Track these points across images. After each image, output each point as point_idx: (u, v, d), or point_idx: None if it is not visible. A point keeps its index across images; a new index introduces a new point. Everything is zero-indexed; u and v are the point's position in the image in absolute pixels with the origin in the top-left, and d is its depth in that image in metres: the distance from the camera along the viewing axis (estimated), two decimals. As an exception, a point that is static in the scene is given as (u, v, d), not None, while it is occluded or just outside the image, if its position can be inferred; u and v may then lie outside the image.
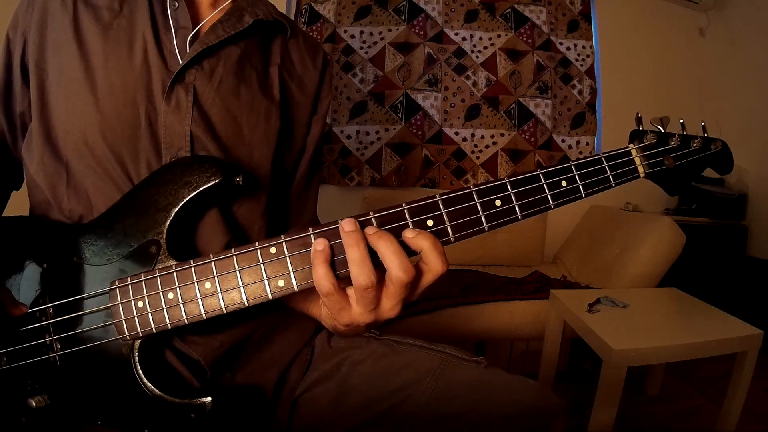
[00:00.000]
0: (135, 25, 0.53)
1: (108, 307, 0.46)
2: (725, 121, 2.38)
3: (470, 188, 0.45)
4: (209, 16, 0.58)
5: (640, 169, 0.50)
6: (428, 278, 0.43)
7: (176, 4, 0.55)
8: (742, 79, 2.52)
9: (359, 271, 0.41)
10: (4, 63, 0.56)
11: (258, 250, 0.44)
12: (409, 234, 0.42)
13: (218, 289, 0.44)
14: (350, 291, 0.44)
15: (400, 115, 2.30)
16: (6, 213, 0.52)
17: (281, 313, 0.63)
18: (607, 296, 1.44)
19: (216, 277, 0.44)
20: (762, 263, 2.18)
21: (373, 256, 0.42)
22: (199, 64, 0.54)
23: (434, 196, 0.45)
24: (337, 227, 0.43)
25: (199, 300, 0.44)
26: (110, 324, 0.46)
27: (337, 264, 0.43)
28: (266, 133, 0.59)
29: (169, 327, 0.45)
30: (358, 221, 0.43)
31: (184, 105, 0.53)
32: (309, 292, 0.44)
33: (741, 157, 2.37)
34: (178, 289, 0.45)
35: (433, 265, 0.42)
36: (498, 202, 0.45)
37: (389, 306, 0.43)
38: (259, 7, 0.60)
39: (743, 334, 1.23)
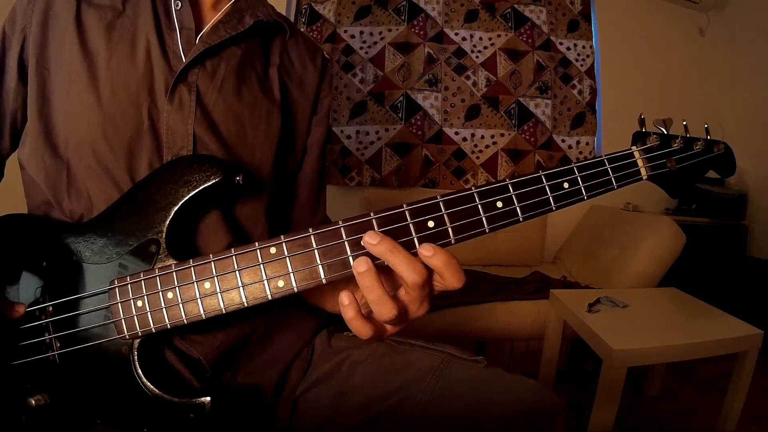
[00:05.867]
0: (138, 24, 0.53)
1: (107, 306, 0.46)
2: (725, 121, 2.39)
3: (472, 189, 0.45)
4: (211, 18, 0.58)
5: (643, 171, 0.50)
6: (441, 286, 0.43)
7: (179, 5, 0.55)
8: (742, 79, 2.52)
9: (380, 308, 0.40)
10: None
11: (258, 251, 0.44)
12: (425, 252, 0.41)
13: (218, 290, 0.44)
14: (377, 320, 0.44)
15: (400, 115, 2.30)
16: (5, 212, 0.51)
17: (281, 312, 0.63)
18: (607, 296, 1.44)
19: (215, 277, 0.44)
20: (762, 263, 2.18)
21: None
22: (201, 63, 0.55)
23: (435, 197, 0.44)
24: (339, 228, 0.43)
25: (199, 300, 0.44)
26: (109, 323, 0.46)
27: (337, 265, 0.43)
28: (268, 134, 0.59)
29: (169, 327, 0.45)
30: (358, 222, 0.43)
31: (187, 104, 0.53)
32: (334, 289, 0.43)
33: (741, 157, 2.36)
34: (177, 288, 0.44)
35: (448, 281, 0.42)
36: (499, 204, 0.45)
37: (414, 309, 0.43)
38: (259, 8, 0.60)
39: (743, 334, 1.23)
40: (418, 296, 0.42)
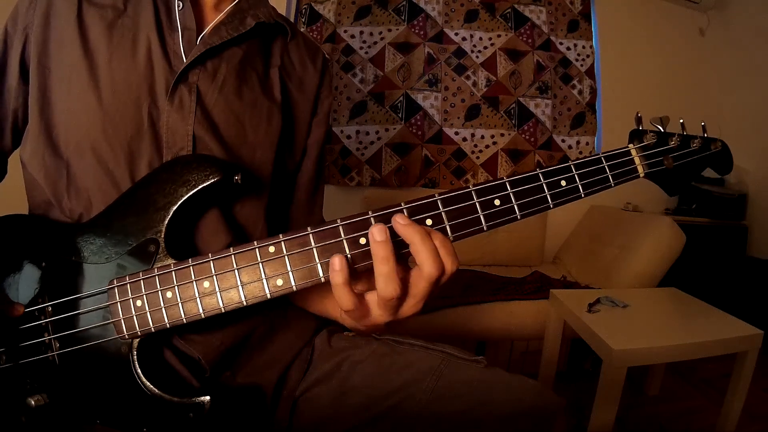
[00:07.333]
0: (139, 24, 0.53)
1: (106, 306, 0.46)
2: (725, 121, 2.40)
3: (469, 188, 0.45)
4: (212, 18, 0.58)
5: (640, 169, 0.50)
6: (443, 278, 0.43)
7: (181, 5, 0.55)
8: (742, 79, 2.52)
9: (386, 283, 0.41)
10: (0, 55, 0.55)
11: (256, 249, 0.44)
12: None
13: (217, 288, 0.44)
14: (369, 297, 0.44)
15: (400, 115, 2.30)
16: (5, 212, 0.52)
17: (281, 312, 0.63)
18: (607, 296, 1.44)
19: (214, 276, 0.44)
20: (762, 263, 2.18)
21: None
22: (202, 64, 0.55)
23: (433, 196, 0.45)
24: (337, 226, 0.43)
25: (198, 299, 0.44)
26: (109, 323, 0.46)
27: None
28: (268, 134, 0.59)
29: (168, 326, 0.45)
30: (356, 221, 0.43)
31: (187, 105, 0.53)
32: (324, 293, 0.44)
33: (741, 157, 2.38)
34: (176, 288, 0.44)
35: (446, 265, 0.42)
36: (497, 202, 0.45)
37: (411, 304, 0.44)
38: (260, 9, 0.60)
39: (743, 334, 1.23)
40: (423, 290, 0.42)
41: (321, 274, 0.43)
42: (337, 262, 0.41)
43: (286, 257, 0.43)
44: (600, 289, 1.62)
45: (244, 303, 0.44)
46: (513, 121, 2.37)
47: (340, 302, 0.42)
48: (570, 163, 0.47)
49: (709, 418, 1.51)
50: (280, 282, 0.43)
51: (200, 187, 0.47)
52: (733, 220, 2.37)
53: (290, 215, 0.68)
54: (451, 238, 0.44)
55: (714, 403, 1.58)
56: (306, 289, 0.44)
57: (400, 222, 0.41)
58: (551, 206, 0.47)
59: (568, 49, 2.43)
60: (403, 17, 2.31)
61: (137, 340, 0.46)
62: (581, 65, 2.44)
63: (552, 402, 0.57)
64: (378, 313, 0.44)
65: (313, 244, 0.43)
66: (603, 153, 0.49)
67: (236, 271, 0.44)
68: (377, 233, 0.40)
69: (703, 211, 2.36)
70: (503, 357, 1.73)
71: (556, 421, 0.57)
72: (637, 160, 0.50)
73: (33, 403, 0.45)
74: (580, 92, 2.44)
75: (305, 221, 0.69)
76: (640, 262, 1.72)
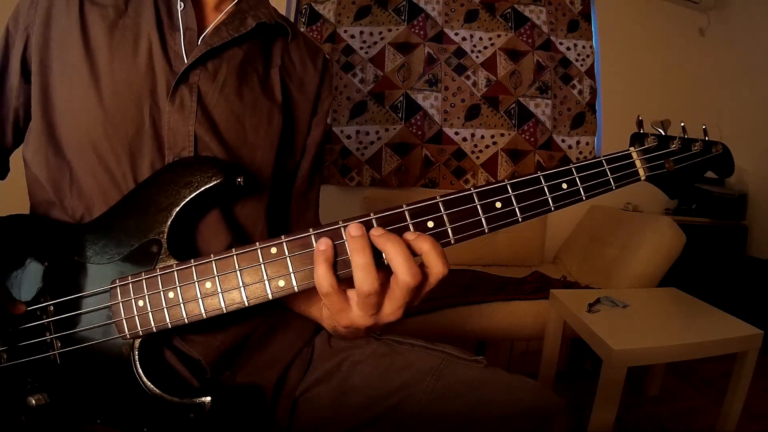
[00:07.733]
0: (140, 24, 0.53)
1: (108, 306, 0.46)
2: (725, 121, 2.40)
3: (471, 190, 0.45)
4: (213, 19, 0.58)
5: (641, 171, 0.50)
6: (431, 282, 0.43)
7: (182, 5, 0.55)
8: (742, 79, 2.52)
9: (364, 276, 0.40)
10: (1, 54, 0.55)
11: (258, 250, 0.44)
12: (409, 237, 0.42)
13: (219, 289, 0.44)
14: (351, 293, 0.44)
15: (400, 115, 2.30)
16: (6, 212, 0.52)
17: (281, 312, 0.63)
18: (607, 296, 1.44)
19: (216, 277, 0.44)
20: (762, 263, 2.18)
21: (377, 256, 0.41)
22: (203, 64, 0.55)
23: (435, 198, 0.45)
24: (339, 228, 0.43)
25: (200, 299, 0.44)
26: (111, 323, 0.46)
27: (338, 264, 0.43)
28: (269, 134, 0.59)
29: (170, 326, 0.45)
30: (358, 222, 0.43)
31: (188, 105, 0.53)
32: (310, 293, 0.43)
33: (741, 157, 2.36)
34: (178, 288, 0.45)
35: (434, 268, 0.42)
36: (498, 204, 0.45)
37: (391, 310, 0.43)
38: (261, 10, 0.60)
39: (743, 334, 1.23)
40: (400, 298, 0.42)
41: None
42: (323, 242, 0.41)
43: (287, 258, 0.44)
44: (600, 289, 1.62)
45: (246, 304, 0.44)
46: (513, 121, 2.37)
47: (319, 284, 0.42)
48: (571, 165, 0.47)
49: (709, 418, 1.51)
50: (281, 283, 0.44)
51: (203, 188, 0.47)
52: (733, 220, 2.37)
53: (290, 215, 0.68)
54: (452, 240, 0.44)
55: (714, 403, 1.59)
56: None
57: (374, 234, 0.42)
58: (552, 209, 0.47)
59: (568, 49, 2.43)
60: (403, 17, 2.31)
61: (139, 340, 0.46)
62: (581, 65, 2.44)
63: (552, 402, 0.57)
64: (358, 314, 0.43)
65: (314, 245, 0.43)
66: (604, 156, 0.49)
67: (238, 272, 0.44)
68: (353, 230, 0.41)
69: (703, 211, 2.36)
70: (503, 357, 1.74)
71: (556, 421, 0.57)
72: (638, 163, 0.50)
73: (33, 402, 0.46)
74: (580, 92, 2.44)
75: (300, 219, 0.69)
76: (640, 262, 1.72)
